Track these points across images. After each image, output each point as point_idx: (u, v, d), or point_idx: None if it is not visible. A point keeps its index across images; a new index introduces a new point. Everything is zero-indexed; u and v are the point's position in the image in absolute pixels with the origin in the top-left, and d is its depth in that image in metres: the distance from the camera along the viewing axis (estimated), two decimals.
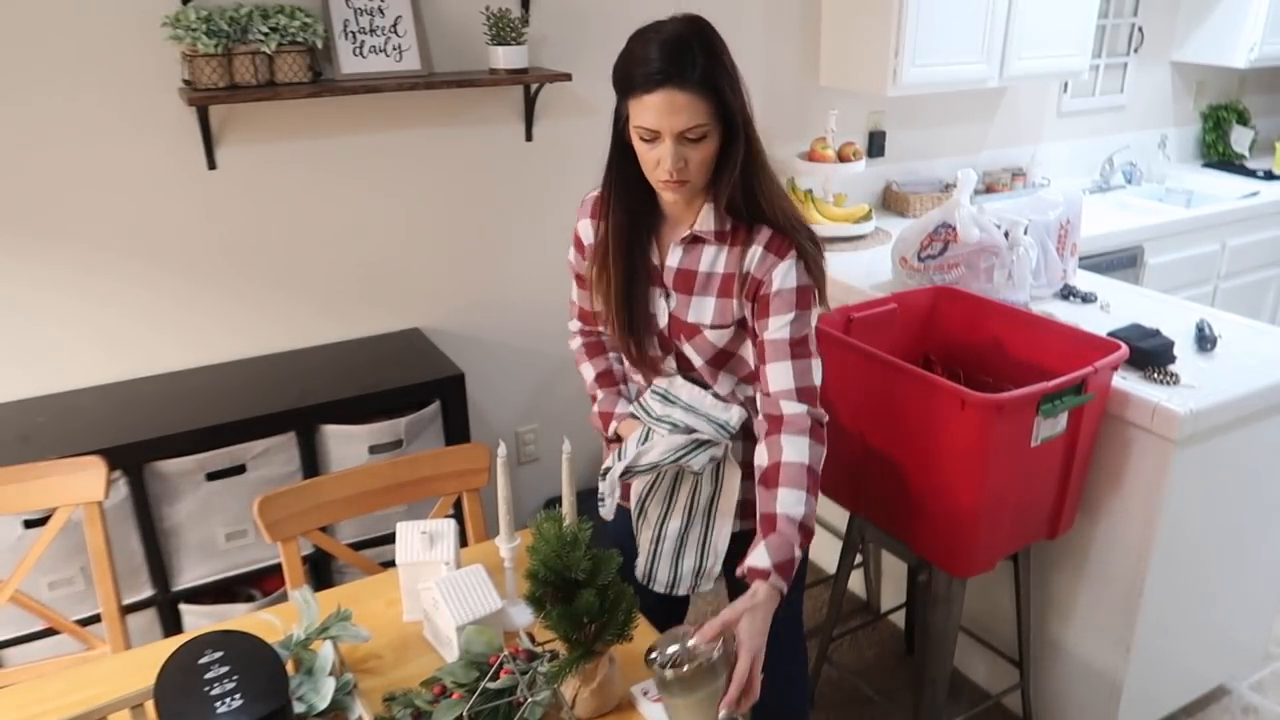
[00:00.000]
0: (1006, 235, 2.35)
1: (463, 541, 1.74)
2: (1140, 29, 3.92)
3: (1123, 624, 2.08)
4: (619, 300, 1.50)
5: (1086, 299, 2.47)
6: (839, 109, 3.07)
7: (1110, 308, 2.43)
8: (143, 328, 2.35)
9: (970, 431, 1.74)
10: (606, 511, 1.55)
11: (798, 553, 1.34)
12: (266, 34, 2.15)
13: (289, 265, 2.48)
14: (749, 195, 1.41)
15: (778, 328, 1.42)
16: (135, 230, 2.28)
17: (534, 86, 2.61)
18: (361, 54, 2.33)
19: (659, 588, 1.61)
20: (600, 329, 1.68)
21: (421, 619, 1.54)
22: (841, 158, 3.01)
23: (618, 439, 1.62)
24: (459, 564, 1.55)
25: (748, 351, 1.52)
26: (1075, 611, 2.18)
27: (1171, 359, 2.06)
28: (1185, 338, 2.19)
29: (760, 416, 1.45)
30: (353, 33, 2.31)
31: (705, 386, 1.55)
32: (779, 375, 1.42)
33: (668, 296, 1.51)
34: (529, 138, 2.70)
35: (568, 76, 2.51)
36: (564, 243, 2.80)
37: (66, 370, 2.30)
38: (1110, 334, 2.08)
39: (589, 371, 1.71)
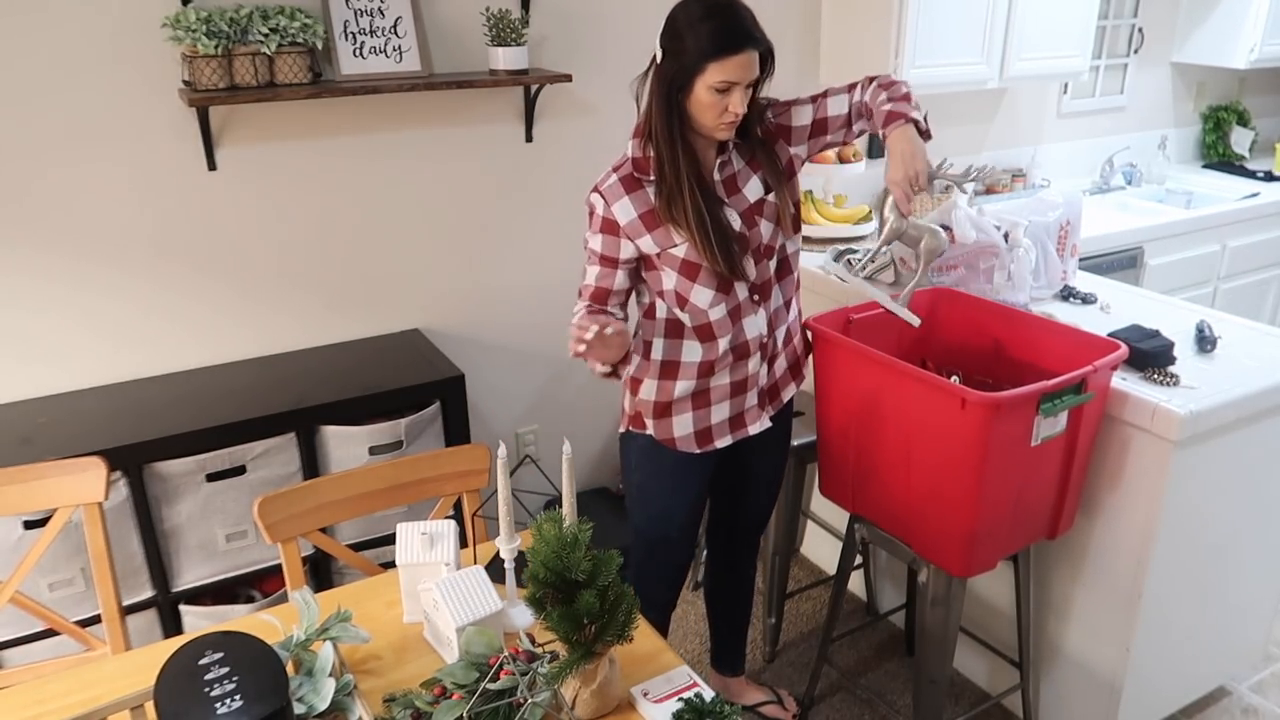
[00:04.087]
0: (1006, 236, 2.35)
1: (463, 542, 1.74)
2: (1140, 30, 3.93)
3: (1123, 624, 2.08)
4: (712, 225, 1.73)
5: (1086, 300, 2.47)
6: None
7: (1110, 309, 2.42)
8: (142, 328, 2.36)
9: (970, 431, 1.74)
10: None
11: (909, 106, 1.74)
12: (266, 35, 2.15)
13: (289, 266, 2.48)
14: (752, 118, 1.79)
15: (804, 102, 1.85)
16: (135, 231, 2.28)
17: (534, 87, 2.61)
18: (361, 55, 2.33)
19: None
20: (608, 308, 1.80)
21: (422, 620, 1.54)
22: (841, 159, 3.01)
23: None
24: (459, 565, 1.56)
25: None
26: (1075, 612, 2.18)
27: (1171, 360, 2.06)
28: (1185, 339, 2.19)
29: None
30: (353, 33, 2.31)
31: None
32: (840, 98, 1.85)
33: (724, 206, 1.79)
34: (529, 138, 2.70)
35: (568, 77, 2.51)
36: (564, 243, 2.82)
37: (67, 371, 2.30)
38: (1110, 335, 2.08)
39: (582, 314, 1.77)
